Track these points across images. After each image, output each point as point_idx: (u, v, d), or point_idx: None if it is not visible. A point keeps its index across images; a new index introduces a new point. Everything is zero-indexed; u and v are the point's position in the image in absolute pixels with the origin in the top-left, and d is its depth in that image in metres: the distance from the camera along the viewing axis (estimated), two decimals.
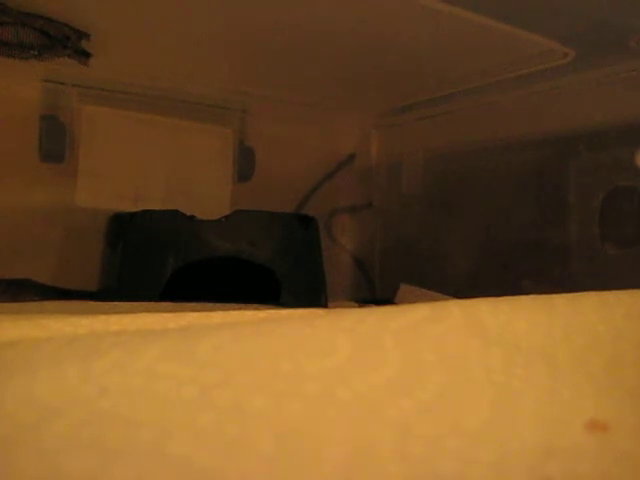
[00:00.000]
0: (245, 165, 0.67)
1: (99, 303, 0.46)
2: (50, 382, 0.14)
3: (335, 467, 0.12)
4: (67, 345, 0.17)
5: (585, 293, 0.22)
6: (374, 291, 0.73)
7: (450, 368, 0.16)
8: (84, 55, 0.49)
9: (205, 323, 0.26)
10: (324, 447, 0.13)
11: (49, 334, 0.22)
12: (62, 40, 0.46)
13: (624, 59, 0.47)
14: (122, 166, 0.62)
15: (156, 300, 0.47)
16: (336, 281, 0.72)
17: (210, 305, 0.41)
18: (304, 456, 0.13)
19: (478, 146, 0.62)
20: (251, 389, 0.14)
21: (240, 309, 0.31)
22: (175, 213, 0.50)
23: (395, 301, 0.62)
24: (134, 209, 0.58)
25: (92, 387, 0.14)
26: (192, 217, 0.51)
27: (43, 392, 0.14)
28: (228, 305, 0.40)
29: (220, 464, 0.12)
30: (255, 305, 0.42)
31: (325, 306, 0.56)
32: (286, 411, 0.14)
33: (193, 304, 0.41)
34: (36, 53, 0.46)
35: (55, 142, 0.57)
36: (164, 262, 0.49)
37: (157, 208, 0.55)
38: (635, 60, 0.47)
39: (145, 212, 0.53)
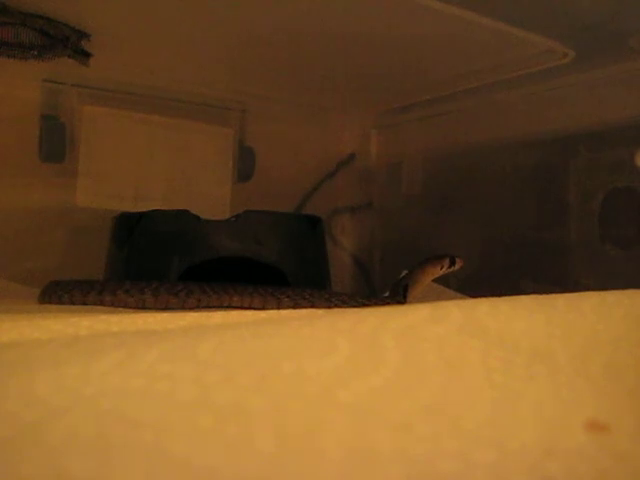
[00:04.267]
0: (245, 165, 0.67)
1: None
2: (51, 383, 0.14)
3: (335, 467, 0.12)
4: (68, 346, 0.17)
5: (585, 293, 0.22)
6: (374, 291, 0.73)
7: (450, 368, 0.16)
8: (84, 55, 0.49)
9: (205, 323, 0.26)
10: (324, 447, 0.13)
11: (50, 335, 0.22)
12: (62, 40, 0.46)
13: (624, 59, 0.47)
14: (122, 166, 0.62)
15: None
16: (336, 280, 0.72)
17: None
18: (304, 456, 0.13)
19: (478, 146, 0.62)
20: (251, 389, 0.14)
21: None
22: (184, 213, 0.50)
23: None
24: (134, 209, 0.57)
25: (93, 387, 0.14)
26: (200, 217, 0.51)
27: (44, 392, 0.14)
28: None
29: (220, 464, 0.12)
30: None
31: None
32: (286, 411, 0.14)
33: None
34: (36, 53, 0.46)
35: (55, 142, 0.57)
36: (173, 261, 0.49)
37: (157, 208, 0.55)
38: (635, 60, 0.47)
39: (154, 212, 0.52)
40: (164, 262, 0.50)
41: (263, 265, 0.51)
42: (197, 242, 0.50)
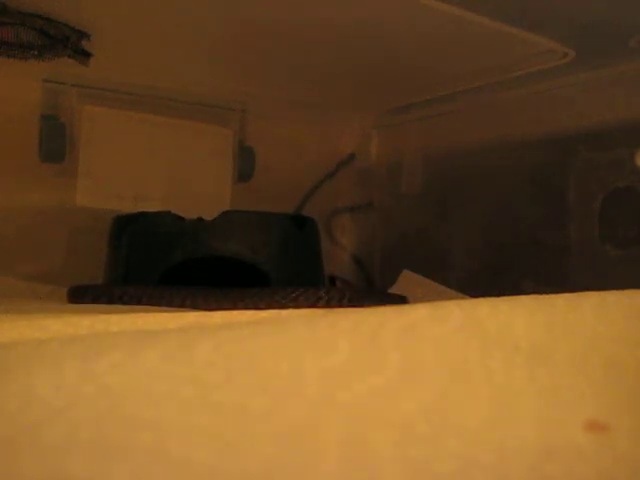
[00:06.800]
0: (245, 165, 0.67)
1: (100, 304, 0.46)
2: (51, 382, 0.14)
3: (335, 468, 0.12)
4: (67, 345, 0.17)
5: (585, 293, 0.22)
6: None
7: (450, 369, 0.16)
8: (84, 55, 0.49)
9: (205, 323, 0.26)
10: (324, 448, 0.13)
11: (50, 335, 0.22)
12: (62, 40, 0.46)
13: (624, 59, 0.47)
14: (122, 166, 0.62)
15: None
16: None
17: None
18: (304, 456, 0.13)
19: (478, 146, 0.62)
20: (251, 389, 0.14)
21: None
22: (167, 214, 0.51)
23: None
24: (134, 209, 0.58)
25: (92, 387, 0.14)
26: (182, 218, 0.51)
27: (44, 392, 0.14)
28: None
29: (220, 464, 0.12)
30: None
31: None
32: (286, 412, 0.14)
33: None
34: (36, 53, 0.46)
35: (55, 142, 0.57)
36: (154, 263, 0.50)
37: (157, 208, 0.55)
38: (635, 60, 0.47)
39: (141, 214, 0.54)
40: (147, 263, 0.51)
41: (245, 265, 0.51)
42: (177, 243, 0.51)
